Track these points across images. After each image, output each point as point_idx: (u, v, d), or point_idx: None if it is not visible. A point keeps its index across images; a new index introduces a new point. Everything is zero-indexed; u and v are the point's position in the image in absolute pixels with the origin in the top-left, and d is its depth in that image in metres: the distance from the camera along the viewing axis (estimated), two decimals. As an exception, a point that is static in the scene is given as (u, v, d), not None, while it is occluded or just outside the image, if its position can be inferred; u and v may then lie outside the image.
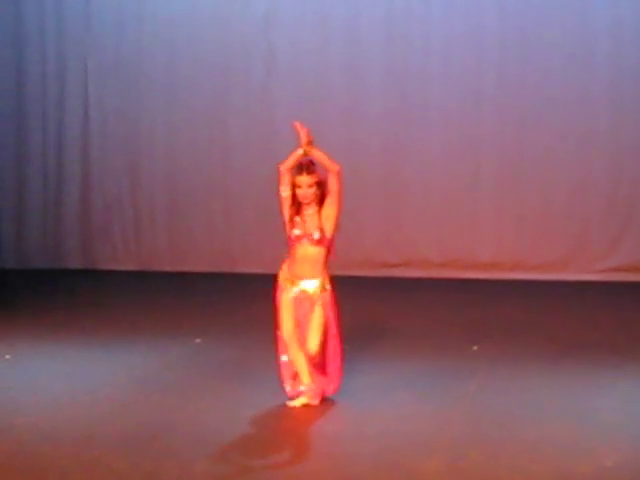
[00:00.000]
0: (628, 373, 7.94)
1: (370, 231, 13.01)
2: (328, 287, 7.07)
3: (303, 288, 7.04)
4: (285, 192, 7.01)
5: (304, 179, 6.95)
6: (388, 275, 12.86)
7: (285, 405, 7.02)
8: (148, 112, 13.48)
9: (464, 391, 7.46)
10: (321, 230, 6.99)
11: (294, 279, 7.05)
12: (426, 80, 12.80)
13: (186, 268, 13.35)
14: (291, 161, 6.99)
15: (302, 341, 7.01)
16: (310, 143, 6.96)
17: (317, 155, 6.96)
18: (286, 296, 7.06)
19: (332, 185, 6.94)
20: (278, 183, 7.03)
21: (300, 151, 6.97)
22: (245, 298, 11.49)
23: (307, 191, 6.96)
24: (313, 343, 6.99)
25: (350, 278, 11.86)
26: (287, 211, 7.03)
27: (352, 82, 12.96)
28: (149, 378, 7.89)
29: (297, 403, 7.03)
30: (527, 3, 12.58)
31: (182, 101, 13.37)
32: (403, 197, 12.97)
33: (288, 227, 7.03)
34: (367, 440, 6.31)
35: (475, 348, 8.81)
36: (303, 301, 7.04)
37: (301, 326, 7.04)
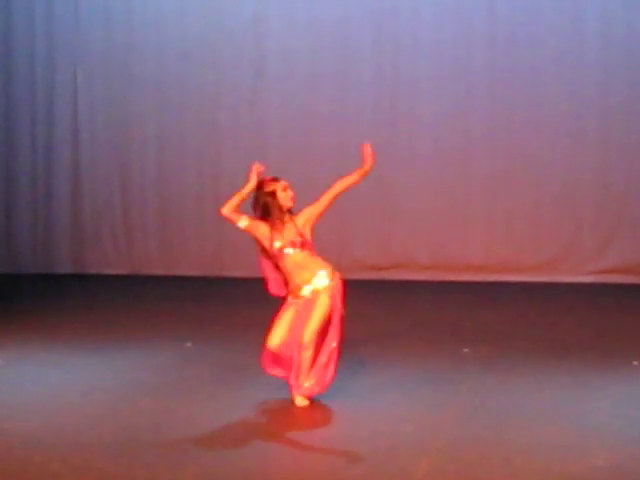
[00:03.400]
0: (619, 375, 7.94)
1: (360, 234, 13.01)
2: (337, 274, 7.06)
3: (314, 287, 6.98)
4: (242, 223, 6.88)
5: (285, 183, 6.97)
6: (378, 278, 12.86)
7: (275, 408, 7.01)
8: (138, 116, 13.46)
9: (455, 393, 7.46)
10: (301, 235, 6.97)
11: (300, 288, 6.97)
12: (416, 82, 12.81)
13: (176, 272, 13.35)
14: (237, 199, 6.87)
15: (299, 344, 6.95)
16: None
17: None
18: (290, 308, 7.00)
19: (330, 199, 7.08)
20: (232, 222, 6.90)
21: (247, 188, 6.87)
22: (235, 302, 11.48)
23: (289, 193, 6.95)
24: (308, 331, 6.91)
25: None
26: (259, 233, 6.93)
27: (342, 84, 12.97)
28: (139, 382, 7.87)
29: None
30: (517, 3, 12.61)
31: (172, 104, 13.36)
32: (393, 200, 12.97)
33: (268, 245, 6.93)
34: (358, 442, 6.29)
35: (466, 350, 8.81)
36: (310, 301, 6.95)
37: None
